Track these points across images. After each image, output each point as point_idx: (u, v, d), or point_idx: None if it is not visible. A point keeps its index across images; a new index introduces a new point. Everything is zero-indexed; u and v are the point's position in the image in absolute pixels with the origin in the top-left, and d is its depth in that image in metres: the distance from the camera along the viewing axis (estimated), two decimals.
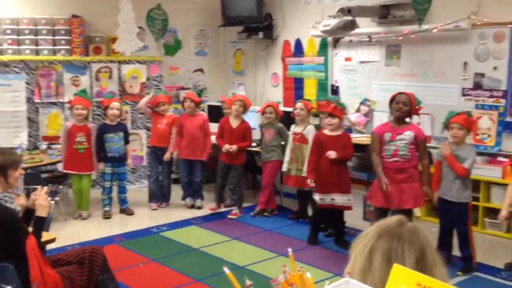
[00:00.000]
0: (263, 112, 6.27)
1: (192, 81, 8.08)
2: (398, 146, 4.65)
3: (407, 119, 4.77)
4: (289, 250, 2.08)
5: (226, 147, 6.12)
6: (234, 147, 6.10)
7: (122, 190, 6.36)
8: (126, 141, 6.32)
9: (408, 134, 4.65)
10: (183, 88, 7.85)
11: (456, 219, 4.60)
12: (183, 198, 6.67)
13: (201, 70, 8.17)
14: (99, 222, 6.08)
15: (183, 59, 8.00)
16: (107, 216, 6.20)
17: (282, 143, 6.17)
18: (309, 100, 6.31)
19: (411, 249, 1.29)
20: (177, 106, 7.42)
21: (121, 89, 7.38)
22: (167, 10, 7.29)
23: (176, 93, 7.76)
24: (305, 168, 5.66)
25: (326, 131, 5.21)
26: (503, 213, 4.37)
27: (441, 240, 4.69)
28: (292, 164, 5.92)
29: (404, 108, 4.65)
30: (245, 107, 6.24)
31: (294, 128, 5.99)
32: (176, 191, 6.82)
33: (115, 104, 6.22)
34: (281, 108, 6.49)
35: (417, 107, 4.73)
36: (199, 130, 6.43)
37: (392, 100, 4.75)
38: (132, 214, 6.34)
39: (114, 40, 7.17)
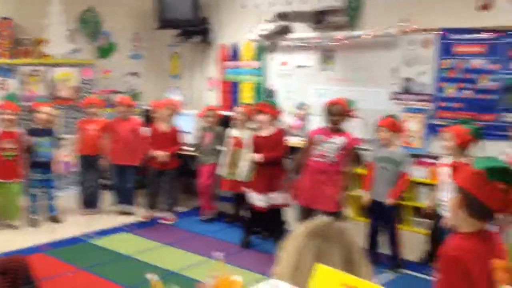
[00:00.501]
0: (203, 116, 6.23)
1: (126, 84, 7.91)
2: (327, 149, 4.71)
3: (343, 124, 4.83)
4: (217, 254, 2.04)
5: (155, 153, 6.00)
6: (161, 153, 5.97)
7: (50, 197, 6.13)
8: (56, 147, 6.10)
9: (340, 140, 4.73)
10: (116, 92, 7.66)
11: (385, 219, 4.71)
12: (115, 204, 6.51)
13: (136, 73, 8.03)
14: (25, 231, 5.84)
15: (117, 62, 7.83)
16: (33, 224, 5.96)
17: (220, 147, 6.13)
18: (248, 104, 6.33)
19: (338, 249, 1.31)
20: (109, 110, 7.23)
21: (51, 93, 7.12)
22: (100, 12, 7.12)
23: (109, 97, 7.56)
24: (241, 172, 5.68)
25: (261, 132, 5.23)
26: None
27: (370, 240, 4.80)
28: (228, 167, 5.90)
29: (339, 119, 4.75)
30: (174, 111, 6.16)
31: (232, 132, 5.98)
32: (108, 197, 6.65)
33: (45, 108, 6.00)
34: (222, 112, 6.46)
35: (350, 111, 4.78)
36: (131, 135, 6.30)
37: (326, 110, 4.82)
38: (60, 222, 6.12)
39: (44, 42, 6.93)
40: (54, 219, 6.12)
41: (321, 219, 1.41)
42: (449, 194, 4.05)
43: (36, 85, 7.04)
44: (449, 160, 4.19)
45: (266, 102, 5.28)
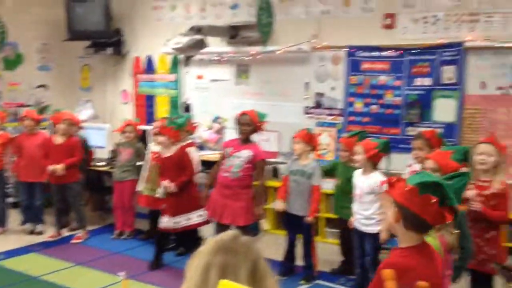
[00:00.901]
0: (122, 131, 6.05)
1: (34, 97, 7.56)
2: (234, 163, 4.73)
3: (253, 136, 4.88)
4: (121, 274, 2.00)
5: (51, 167, 5.71)
6: (58, 166, 5.69)
7: None
8: None
9: (244, 153, 4.74)
10: (23, 105, 7.30)
11: (301, 231, 4.79)
12: (22, 223, 6.20)
13: (44, 86, 7.70)
14: None
15: (25, 74, 7.47)
16: None
17: (139, 163, 6.01)
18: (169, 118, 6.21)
19: (245, 263, 1.32)
20: (16, 124, 6.88)
21: None
22: (6, 22, 6.79)
23: (15, 110, 7.19)
24: (160, 189, 5.57)
25: (163, 152, 5.16)
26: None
27: (287, 252, 4.87)
28: (147, 183, 5.77)
29: (248, 128, 4.78)
30: (73, 125, 5.95)
31: (152, 147, 5.85)
32: (15, 216, 6.31)
33: None
34: (140, 127, 6.32)
35: (259, 123, 4.83)
36: (39, 150, 5.98)
37: (236, 121, 4.87)
38: None
39: None
40: None
41: (227, 234, 1.41)
42: (362, 206, 4.24)
43: None
44: (359, 172, 4.33)
45: (165, 126, 5.14)
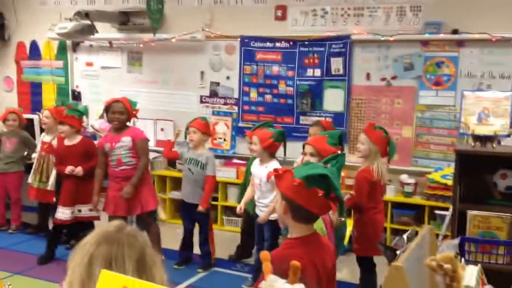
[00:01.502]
0: (4, 120, 5.68)
1: None
2: (120, 155, 4.55)
3: (128, 124, 4.65)
4: None
5: None
6: None
7: None
8: None
9: (125, 140, 4.54)
10: None
11: (197, 219, 4.84)
12: None
13: None
14: None
15: None
16: None
17: (26, 153, 5.69)
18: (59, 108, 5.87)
19: (131, 253, 1.29)
20: None
21: None
22: None
23: None
24: (50, 181, 5.34)
25: (66, 141, 4.95)
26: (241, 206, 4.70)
27: (184, 241, 4.90)
28: (37, 175, 5.48)
29: (121, 117, 4.53)
30: None
31: (43, 137, 5.56)
32: None
33: None
34: (24, 115, 5.96)
35: (133, 111, 4.62)
36: None
37: (107, 109, 4.57)
38: None
39: None
40: None
41: (111, 225, 1.37)
42: (261, 194, 4.34)
43: None
44: (257, 162, 4.42)
45: (67, 114, 4.89)
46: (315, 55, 5.52)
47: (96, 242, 1.30)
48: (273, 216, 4.18)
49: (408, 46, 5.20)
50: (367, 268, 3.96)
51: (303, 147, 3.68)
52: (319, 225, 2.61)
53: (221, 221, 5.91)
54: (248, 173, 4.71)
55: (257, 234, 4.46)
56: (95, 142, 5.49)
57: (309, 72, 5.58)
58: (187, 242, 4.90)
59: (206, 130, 4.79)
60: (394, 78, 5.29)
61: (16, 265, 4.77)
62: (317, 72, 5.54)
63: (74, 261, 1.30)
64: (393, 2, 5.25)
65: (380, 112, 5.39)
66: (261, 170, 4.25)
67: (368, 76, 5.40)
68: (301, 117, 5.64)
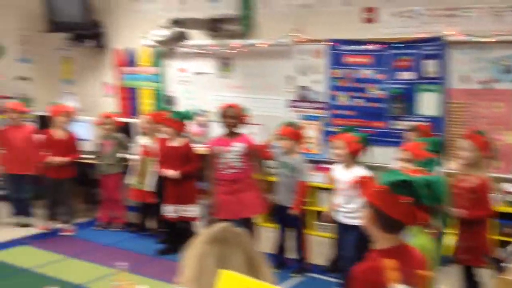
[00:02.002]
0: (100, 124, 6.09)
1: (16, 89, 7.49)
2: (231, 158, 4.83)
3: (238, 130, 4.96)
4: (120, 264, 2.08)
5: (51, 159, 5.76)
6: (56, 159, 5.76)
7: None
8: None
9: (239, 146, 4.85)
10: (5, 98, 7.23)
11: (291, 224, 4.90)
12: (11, 216, 6.19)
13: (25, 78, 7.63)
14: None
15: (5, 66, 7.39)
16: None
17: (122, 155, 6.05)
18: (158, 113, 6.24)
19: (240, 253, 1.37)
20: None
21: None
22: None
23: None
24: (147, 181, 5.68)
25: (169, 142, 5.26)
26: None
27: (278, 245, 4.98)
28: (136, 177, 5.84)
29: (232, 121, 4.87)
30: (70, 118, 5.98)
31: (140, 140, 5.92)
32: (4, 209, 6.29)
33: None
34: (121, 119, 6.34)
35: (244, 116, 4.94)
36: (26, 142, 6.01)
37: (221, 114, 4.94)
38: None
39: None
40: None
41: (219, 225, 1.46)
42: (345, 200, 4.36)
43: None
44: (341, 167, 4.45)
45: (169, 117, 5.24)
46: (407, 58, 5.44)
47: (207, 241, 1.41)
48: (358, 222, 4.18)
49: (507, 47, 5.00)
50: (472, 279, 3.87)
51: (400, 152, 3.67)
52: (420, 240, 2.54)
53: (314, 226, 5.93)
54: None
55: (341, 240, 4.46)
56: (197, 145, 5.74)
57: (401, 75, 5.49)
58: (281, 245, 4.99)
59: (297, 137, 4.88)
60: (492, 81, 5.11)
61: (120, 262, 5.07)
62: (410, 75, 5.44)
63: (186, 259, 1.41)
64: (487, 2, 5.09)
65: (479, 116, 5.18)
66: (346, 175, 4.25)
67: (464, 79, 5.23)
68: (393, 122, 5.56)
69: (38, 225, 6.05)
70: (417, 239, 2.13)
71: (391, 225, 1.98)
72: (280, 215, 4.97)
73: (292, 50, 6.12)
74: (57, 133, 5.90)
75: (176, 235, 5.39)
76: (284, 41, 6.06)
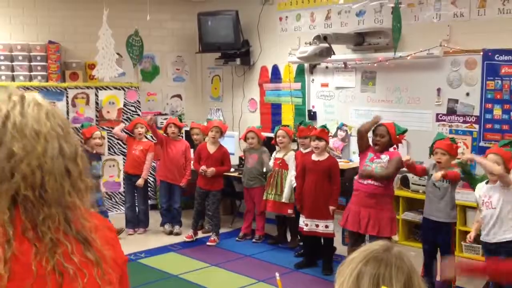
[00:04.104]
0: (245, 138, 6.30)
1: (169, 107, 8.09)
2: (373, 169, 4.70)
3: (390, 149, 4.83)
4: (277, 274, 2.10)
5: (203, 168, 6.06)
6: (211, 169, 6.06)
7: (104, 214, 6.29)
8: (100, 170, 6.36)
9: (383, 158, 4.73)
10: (160, 114, 7.86)
11: (439, 242, 4.58)
12: (162, 224, 6.62)
13: (178, 96, 8.20)
14: None
15: (161, 85, 8.03)
16: None
17: (264, 169, 6.19)
18: (288, 126, 6.38)
19: (399, 274, 1.30)
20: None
21: (98, 115, 7.35)
22: (145, 36, 7.33)
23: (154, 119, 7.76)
24: (285, 194, 5.74)
25: (313, 156, 5.28)
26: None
27: (425, 265, 4.67)
28: (272, 189, 5.93)
29: (382, 140, 4.72)
30: (221, 133, 6.26)
31: (275, 154, 6.05)
32: (155, 217, 6.77)
33: (98, 133, 6.18)
34: (263, 133, 6.50)
35: (398, 136, 4.77)
36: (181, 156, 6.44)
37: (373, 130, 4.83)
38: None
39: (91, 66, 7.18)
40: None
41: (378, 244, 1.39)
42: (498, 223, 3.99)
43: (83, 107, 7.27)
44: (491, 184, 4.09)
45: (323, 129, 5.32)
46: None
47: (364, 259, 1.34)
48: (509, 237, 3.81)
49: None
50: None
51: None
52: None
53: (460, 247, 5.54)
54: None
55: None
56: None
57: None
58: (429, 266, 4.67)
59: (452, 151, 4.59)
60: None
61: (258, 273, 5.18)
62: None
63: (342, 276, 1.36)
64: None
65: None
66: (500, 194, 3.90)
67: None
68: None
69: (185, 233, 6.38)
70: None
71: None
72: (430, 231, 4.64)
73: (441, 62, 5.81)
74: (209, 148, 6.20)
75: (313, 249, 5.36)
76: (434, 53, 5.77)
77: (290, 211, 5.78)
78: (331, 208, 5.17)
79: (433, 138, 4.73)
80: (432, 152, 4.66)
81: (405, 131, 4.86)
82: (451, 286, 4.61)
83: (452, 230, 4.63)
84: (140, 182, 6.41)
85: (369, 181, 4.71)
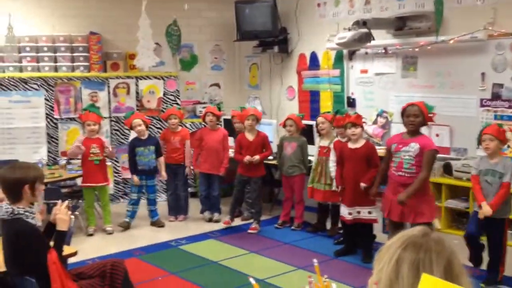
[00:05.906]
0: (284, 125, 6.28)
1: (208, 95, 8.14)
2: (402, 159, 4.58)
3: (423, 129, 4.72)
4: (315, 261, 2.08)
5: (248, 158, 6.08)
6: (256, 157, 6.07)
7: (151, 202, 6.44)
8: (159, 154, 6.39)
9: (412, 146, 4.55)
10: (199, 103, 7.92)
11: (492, 233, 4.47)
12: (201, 212, 6.69)
13: (217, 84, 8.24)
14: (116, 236, 6.11)
15: (199, 74, 8.08)
16: (123, 226, 6.23)
17: (304, 157, 6.18)
18: (329, 112, 6.32)
19: (439, 259, 1.30)
20: (194, 120, 7.52)
21: (138, 104, 7.45)
22: (183, 25, 7.39)
23: (193, 108, 7.83)
24: (324, 182, 5.73)
25: (349, 144, 5.23)
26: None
27: (474, 254, 4.55)
28: (320, 178, 5.90)
29: (416, 120, 4.59)
30: (257, 120, 6.25)
31: (320, 142, 6.00)
32: (194, 205, 6.84)
33: (137, 121, 6.27)
34: (303, 121, 6.43)
35: (430, 114, 4.65)
36: (219, 145, 6.48)
37: (403, 113, 4.70)
38: (163, 226, 6.40)
39: (131, 56, 7.28)
40: (156, 224, 6.44)
41: (416, 229, 1.38)
42: None
43: (124, 97, 7.38)
44: None
45: (358, 115, 5.27)
46: None
47: (403, 245, 1.34)
48: None
49: None
50: None
51: None
52: None
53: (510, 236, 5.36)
54: None
55: None
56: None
57: None
58: (477, 255, 4.56)
59: (502, 137, 4.45)
60: None
61: (298, 260, 5.18)
62: None
63: (381, 261, 1.36)
64: None
65: None
66: None
67: None
68: None
69: (224, 220, 6.42)
70: None
71: None
72: (480, 222, 4.48)
73: (485, 46, 5.63)
74: (248, 136, 6.21)
75: (354, 237, 5.31)
76: (478, 36, 5.59)
77: (332, 199, 5.75)
78: (362, 185, 5.07)
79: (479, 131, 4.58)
80: (479, 142, 4.51)
81: (433, 108, 4.74)
82: (498, 273, 4.47)
83: (504, 226, 4.47)
84: (187, 171, 6.57)
85: (400, 172, 4.60)
